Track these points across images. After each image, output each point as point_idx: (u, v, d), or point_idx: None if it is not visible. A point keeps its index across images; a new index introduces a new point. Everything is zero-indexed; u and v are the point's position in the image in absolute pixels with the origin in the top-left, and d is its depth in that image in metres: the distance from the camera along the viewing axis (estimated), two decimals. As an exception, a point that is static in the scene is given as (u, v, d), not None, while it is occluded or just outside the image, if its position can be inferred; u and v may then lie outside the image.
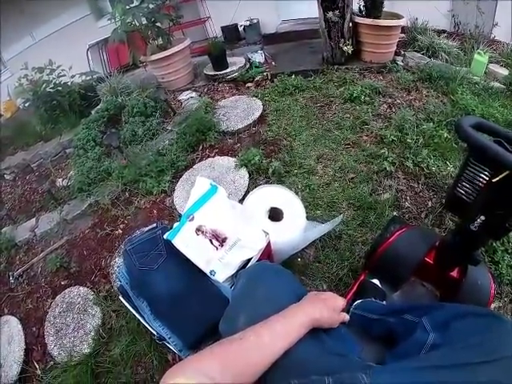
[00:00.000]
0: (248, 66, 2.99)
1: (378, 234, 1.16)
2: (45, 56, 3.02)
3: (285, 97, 2.53)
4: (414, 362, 0.68)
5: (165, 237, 1.13)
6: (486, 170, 0.80)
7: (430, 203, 1.72)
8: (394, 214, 1.67)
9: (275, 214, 1.49)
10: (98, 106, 2.89)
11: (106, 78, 3.04)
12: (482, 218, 0.78)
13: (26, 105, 3.07)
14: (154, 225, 1.29)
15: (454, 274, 1.01)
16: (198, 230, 1.11)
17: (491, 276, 1.04)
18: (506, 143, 0.73)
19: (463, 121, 0.73)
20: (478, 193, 0.83)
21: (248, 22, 3.73)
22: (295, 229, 1.44)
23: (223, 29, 4.01)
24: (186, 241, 1.11)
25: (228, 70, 2.93)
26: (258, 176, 1.91)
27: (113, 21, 2.79)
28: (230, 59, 3.06)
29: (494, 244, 1.47)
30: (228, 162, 2.00)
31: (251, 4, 3.83)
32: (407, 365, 0.67)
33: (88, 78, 3.30)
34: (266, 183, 1.82)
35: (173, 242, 1.11)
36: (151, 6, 2.79)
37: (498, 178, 0.73)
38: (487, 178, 0.79)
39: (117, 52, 4.19)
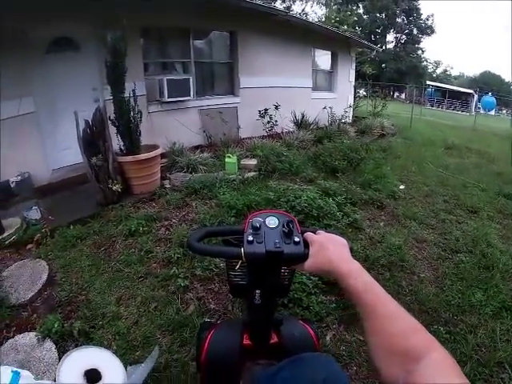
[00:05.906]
0: (25, 225, 2.98)
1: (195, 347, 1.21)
2: None
3: (68, 250, 2.63)
4: None
5: None
6: None
7: (231, 295, 1.96)
8: (205, 319, 1.88)
9: (93, 375, 1.56)
10: None
11: None
12: (258, 291, 0.88)
13: None
14: None
15: (274, 339, 1.05)
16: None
17: (303, 322, 1.11)
18: (236, 235, 0.84)
19: (190, 238, 0.82)
20: (246, 275, 0.93)
21: (19, 177, 3.73)
22: (117, 382, 1.53)
23: (-6, 188, 3.83)
24: None
25: (5, 235, 2.85)
26: (65, 342, 1.84)
27: None
28: (5, 221, 2.99)
29: (296, 295, 1.86)
30: (29, 338, 1.94)
31: (18, 157, 3.81)
32: None
33: None
34: (76, 346, 1.83)
35: None
36: None
37: (237, 266, 0.87)
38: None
39: None
